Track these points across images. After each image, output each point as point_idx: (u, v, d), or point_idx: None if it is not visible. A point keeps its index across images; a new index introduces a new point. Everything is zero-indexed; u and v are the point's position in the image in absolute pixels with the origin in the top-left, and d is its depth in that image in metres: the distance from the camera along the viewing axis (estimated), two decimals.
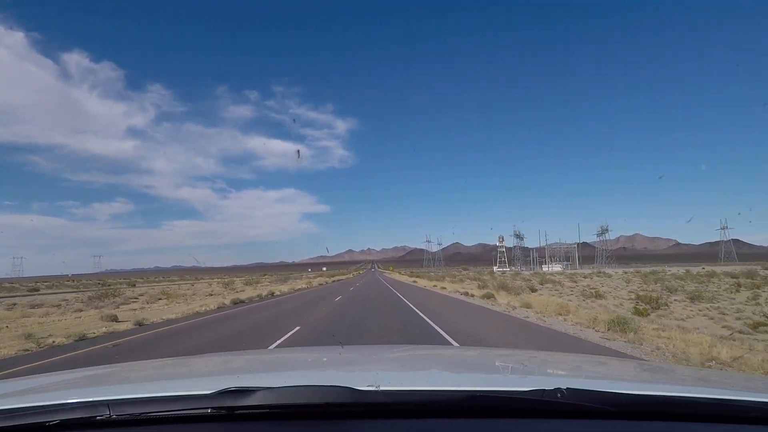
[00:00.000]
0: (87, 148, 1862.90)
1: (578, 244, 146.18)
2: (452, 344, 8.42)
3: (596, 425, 1.11)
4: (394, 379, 1.50)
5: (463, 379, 1.64)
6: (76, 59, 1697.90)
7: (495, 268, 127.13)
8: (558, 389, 1.12)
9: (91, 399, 1.20)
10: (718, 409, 1.13)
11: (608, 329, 9.66)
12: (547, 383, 1.17)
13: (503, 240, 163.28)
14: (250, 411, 1.12)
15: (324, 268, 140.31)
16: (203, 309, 18.21)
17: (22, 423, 1.11)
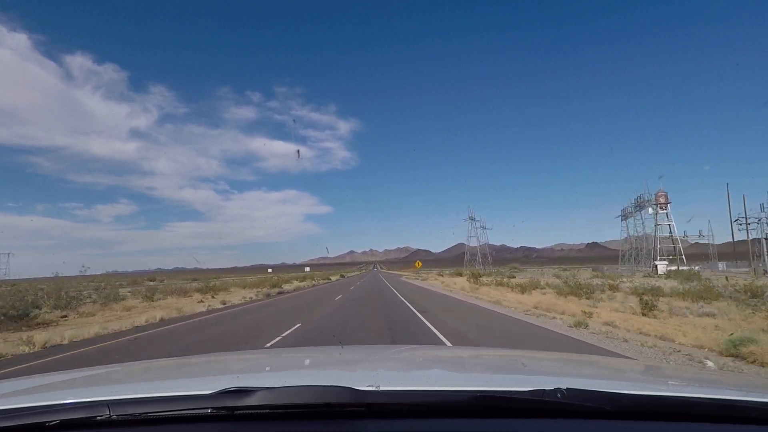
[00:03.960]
0: (90, 150, 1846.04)
1: None
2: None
3: (596, 425, 1.12)
4: (395, 379, 1.54)
5: (463, 379, 1.69)
6: (79, 61, 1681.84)
7: (659, 265, 62.51)
8: (558, 389, 1.14)
9: (91, 399, 1.23)
10: (717, 409, 1.15)
11: None
12: (547, 383, 1.19)
13: (665, 202, 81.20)
14: (251, 411, 1.13)
15: (307, 269, 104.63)
16: None
17: (22, 423, 1.13)
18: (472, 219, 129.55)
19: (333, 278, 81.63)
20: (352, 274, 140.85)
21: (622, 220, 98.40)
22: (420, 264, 63.97)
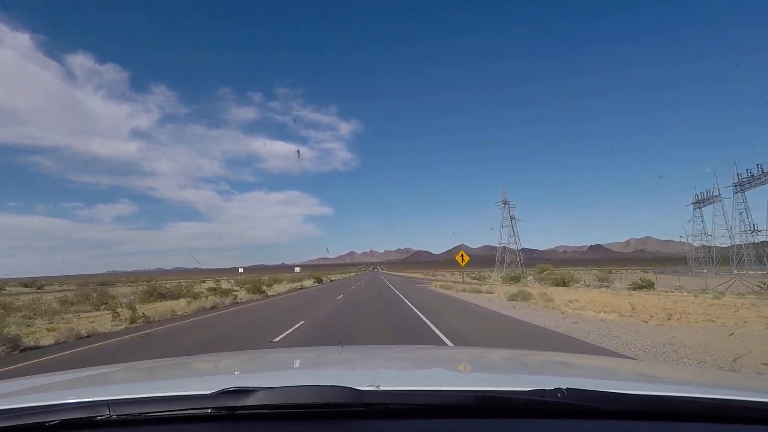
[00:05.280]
0: (91, 150, 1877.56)
1: None
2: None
3: (596, 425, 1.13)
4: (395, 379, 1.56)
5: (463, 379, 1.70)
6: (80, 60, 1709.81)
7: None
8: (558, 389, 1.15)
9: (91, 399, 1.24)
10: (718, 409, 1.16)
11: None
12: (547, 383, 1.21)
13: None
14: (251, 411, 1.14)
15: (297, 269, 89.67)
16: None
17: (22, 423, 1.14)
18: (506, 203, 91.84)
19: (284, 287, 40.80)
20: (343, 276, 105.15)
21: (694, 209, 75.86)
22: (466, 258, 33.53)
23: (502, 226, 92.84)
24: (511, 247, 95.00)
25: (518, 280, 45.19)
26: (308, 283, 56.38)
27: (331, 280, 72.92)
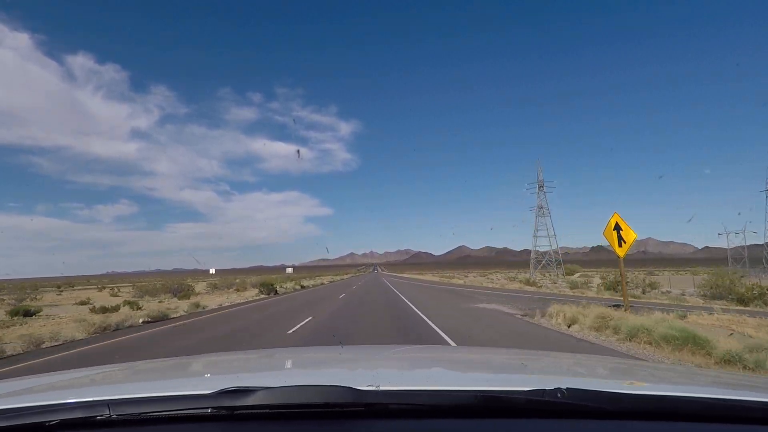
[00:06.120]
0: (91, 150, 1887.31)
1: None
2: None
3: (596, 425, 1.14)
4: (395, 379, 1.57)
5: (463, 379, 1.71)
6: (80, 61, 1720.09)
7: None
8: (558, 389, 1.16)
9: (91, 399, 1.25)
10: (718, 409, 1.16)
11: None
12: (547, 383, 1.21)
13: None
14: (250, 411, 1.15)
15: (289, 270, 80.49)
16: None
17: (22, 423, 1.15)
18: (542, 187, 70.90)
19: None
20: (333, 279, 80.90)
21: None
22: (632, 234, 11.59)
23: (537, 216, 73.03)
24: (539, 246, 76.35)
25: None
26: (248, 294, 30.67)
27: (302, 287, 43.11)
